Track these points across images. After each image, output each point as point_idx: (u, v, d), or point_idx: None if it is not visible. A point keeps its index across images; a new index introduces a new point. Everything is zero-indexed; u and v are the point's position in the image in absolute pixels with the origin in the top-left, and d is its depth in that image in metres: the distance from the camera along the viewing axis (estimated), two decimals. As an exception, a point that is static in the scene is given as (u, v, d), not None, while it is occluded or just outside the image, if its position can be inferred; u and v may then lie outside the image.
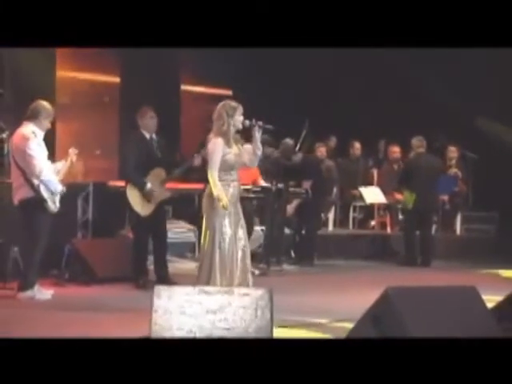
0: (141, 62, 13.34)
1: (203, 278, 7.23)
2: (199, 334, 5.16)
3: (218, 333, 5.16)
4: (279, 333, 6.67)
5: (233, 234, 7.28)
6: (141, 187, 8.85)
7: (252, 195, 10.94)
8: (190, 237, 11.87)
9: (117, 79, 14.14)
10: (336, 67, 14.80)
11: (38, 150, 8.06)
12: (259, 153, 7.39)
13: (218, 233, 7.21)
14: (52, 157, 10.33)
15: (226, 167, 7.27)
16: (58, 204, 8.17)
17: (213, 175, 7.24)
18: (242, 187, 10.80)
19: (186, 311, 5.21)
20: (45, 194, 8.05)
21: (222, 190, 7.22)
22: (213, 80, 14.89)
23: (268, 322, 5.24)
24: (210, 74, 14.74)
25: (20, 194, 8.12)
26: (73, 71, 13.50)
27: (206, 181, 10.33)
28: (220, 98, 9.15)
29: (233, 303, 5.28)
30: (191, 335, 5.14)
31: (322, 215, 13.04)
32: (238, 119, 7.24)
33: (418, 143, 12.36)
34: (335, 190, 13.70)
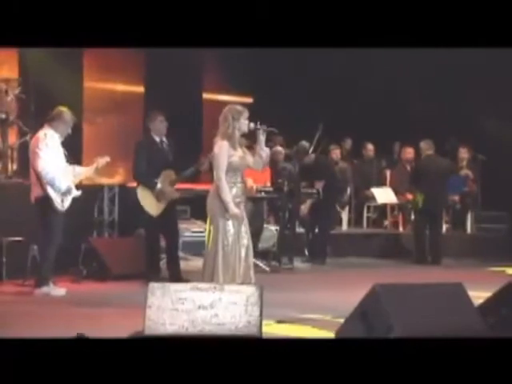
0: (164, 68, 13.42)
1: (207, 275, 7.22)
2: (191, 329, 5.20)
3: (208, 328, 5.20)
4: (278, 328, 6.72)
5: (236, 233, 7.25)
6: (151, 188, 8.89)
7: (264, 195, 10.96)
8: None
9: (141, 87, 14.23)
10: (351, 70, 14.74)
11: (44, 150, 8.14)
12: (264, 155, 7.34)
13: (222, 232, 7.19)
14: (78, 159, 10.55)
15: (231, 169, 7.24)
16: (66, 204, 8.23)
17: (220, 178, 7.19)
18: (254, 187, 10.99)
19: (179, 307, 5.26)
20: (51, 193, 8.12)
21: (230, 194, 7.19)
22: (232, 85, 14.90)
23: (257, 318, 5.28)
24: (230, 79, 14.84)
25: (34, 192, 8.25)
26: (99, 76, 13.61)
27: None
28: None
29: (224, 299, 5.32)
30: (183, 330, 5.18)
31: (336, 215, 13.03)
32: (244, 123, 7.20)
33: (427, 146, 12.34)
34: (349, 190, 13.69)
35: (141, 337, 5.18)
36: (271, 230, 11.48)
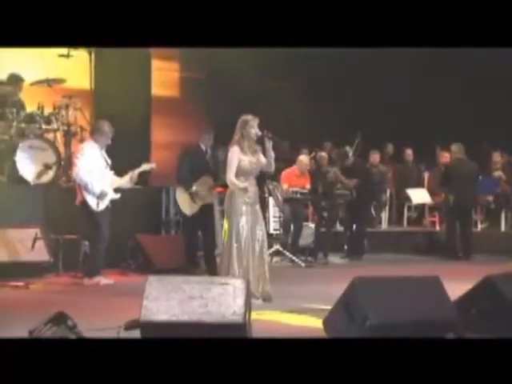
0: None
1: (224, 268, 7.38)
2: (181, 318, 5.27)
3: (197, 316, 5.27)
4: (286, 318, 6.79)
5: (249, 231, 7.36)
6: (187, 189, 9.03)
7: (300, 197, 11.00)
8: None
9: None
10: (393, 80, 14.68)
11: (81, 159, 8.41)
12: (271, 160, 7.44)
13: (235, 229, 7.33)
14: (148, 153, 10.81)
15: (242, 172, 7.37)
16: (102, 206, 8.42)
17: (230, 179, 7.36)
18: (291, 189, 11.06)
19: (172, 297, 5.34)
20: (87, 196, 8.35)
21: (240, 184, 7.33)
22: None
23: (242, 308, 5.30)
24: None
25: (77, 196, 8.46)
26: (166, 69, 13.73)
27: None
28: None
29: (213, 291, 5.39)
30: (174, 318, 5.27)
31: (374, 214, 12.99)
32: (250, 130, 7.33)
33: (457, 149, 12.21)
34: (388, 191, 13.63)
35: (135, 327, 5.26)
36: (311, 227, 11.53)
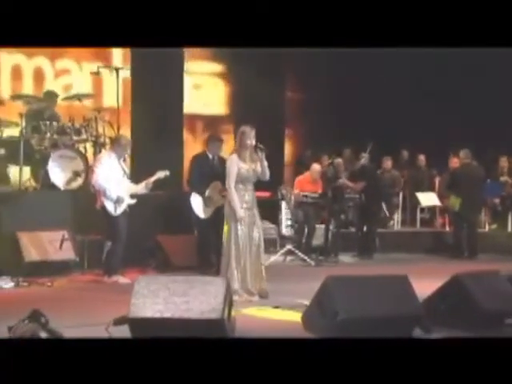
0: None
1: (224, 267, 7.53)
2: (165, 314, 5.41)
3: (179, 313, 5.40)
4: (273, 313, 6.87)
5: (247, 233, 7.49)
6: (201, 194, 9.18)
7: (311, 201, 11.07)
8: (273, 234, 12.03)
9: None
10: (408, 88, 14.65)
11: (99, 167, 8.64)
12: (265, 169, 7.58)
13: (234, 231, 7.47)
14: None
15: (241, 179, 7.52)
16: (119, 210, 8.61)
17: (230, 186, 7.50)
18: (302, 194, 11.13)
19: (157, 295, 5.47)
20: (105, 201, 8.54)
21: (238, 202, 7.45)
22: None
23: (220, 305, 5.41)
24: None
25: (98, 200, 8.66)
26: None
27: (270, 189, 10.64)
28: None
29: (195, 289, 5.51)
30: (158, 314, 5.40)
31: (387, 214, 13.02)
32: (245, 141, 7.48)
33: (464, 155, 12.21)
34: (401, 195, 13.63)
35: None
36: (322, 229, 11.56)
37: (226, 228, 7.55)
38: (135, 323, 5.38)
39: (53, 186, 9.83)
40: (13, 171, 10.11)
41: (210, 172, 9.35)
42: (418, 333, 5.73)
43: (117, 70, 10.81)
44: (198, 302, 5.43)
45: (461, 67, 13.92)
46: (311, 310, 5.78)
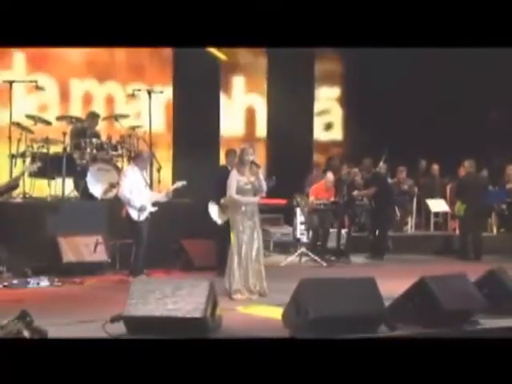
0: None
1: (228, 269, 7.76)
2: (155, 313, 5.61)
3: (167, 312, 5.59)
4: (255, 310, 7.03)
5: (248, 239, 7.69)
6: (217, 202, 9.39)
7: (323, 207, 11.17)
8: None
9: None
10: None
11: (123, 179, 8.96)
12: (261, 182, 7.78)
13: (237, 238, 7.69)
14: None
15: (240, 191, 7.73)
16: (142, 217, 8.85)
17: (231, 195, 7.73)
18: (316, 202, 11.23)
19: (150, 296, 5.68)
20: (129, 209, 8.82)
21: (241, 198, 7.73)
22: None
23: (202, 305, 5.59)
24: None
25: (123, 209, 8.95)
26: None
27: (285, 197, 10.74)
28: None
29: (183, 290, 5.70)
30: (149, 313, 5.60)
31: (398, 216, 13.05)
32: (244, 157, 7.71)
33: (468, 164, 12.24)
34: (415, 201, 13.62)
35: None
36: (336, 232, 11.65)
37: (231, 234, 7.78)
38: (129, 321, 5.62)
39: (91, 196, 10.21)
40: (58, 183, 10.50)
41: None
42: (383, 330, 5.82)
43: (149, 92, 11.12)
44: (185, 303, 5.63)
45: (472, 81, 13.81)
46: (288, 309, 5.91)
